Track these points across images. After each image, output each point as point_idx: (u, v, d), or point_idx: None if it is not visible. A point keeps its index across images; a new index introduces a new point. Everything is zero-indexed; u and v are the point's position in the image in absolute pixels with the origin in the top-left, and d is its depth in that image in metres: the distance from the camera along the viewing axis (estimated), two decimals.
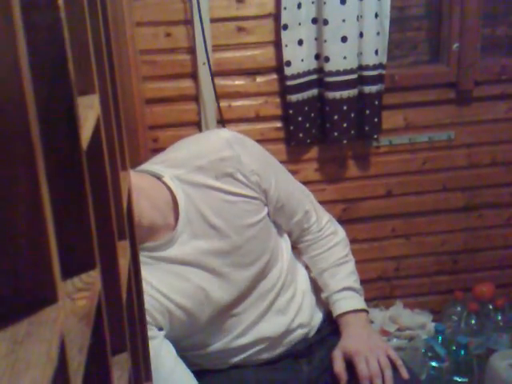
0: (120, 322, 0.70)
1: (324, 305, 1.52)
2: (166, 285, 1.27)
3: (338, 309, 1.45)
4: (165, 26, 1.91)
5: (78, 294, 0.54)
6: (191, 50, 1.93)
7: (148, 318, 1.21)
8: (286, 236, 1.49)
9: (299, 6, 1.88)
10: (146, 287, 1.23)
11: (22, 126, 0.39)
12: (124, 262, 0.76)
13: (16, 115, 0.39)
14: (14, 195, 0.41)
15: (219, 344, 1.39)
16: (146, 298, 1.15)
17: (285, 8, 1.87)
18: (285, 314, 1.43)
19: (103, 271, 0.60)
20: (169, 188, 1.28)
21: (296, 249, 1.54)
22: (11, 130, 0.39)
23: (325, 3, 1.85)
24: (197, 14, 1.86)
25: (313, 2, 1.89)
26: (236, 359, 1.42)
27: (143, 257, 1.22)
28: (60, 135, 0.50)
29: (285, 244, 1.47)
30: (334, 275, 1.47)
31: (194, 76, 1.95)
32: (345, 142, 2.02)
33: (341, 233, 1.53)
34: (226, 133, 1.35)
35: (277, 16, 1.92)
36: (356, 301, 1.46)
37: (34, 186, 0.41)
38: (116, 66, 0.82)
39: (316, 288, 1.52)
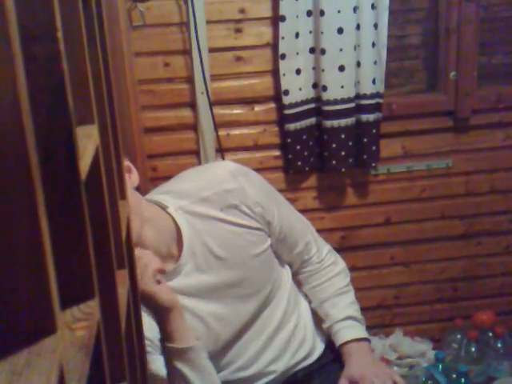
0: (119, 352, 0.69)
1: (325, 334, 1.51)
2: None
3: (341, 338, 1.44)
4: (163, 55, 1.92)
5: (77, 324, 0.54)
6: (190, 80, 1.94)
7: (149, 348, 1.21)
8: (287, 267, 1.49)
9: (297, 35, 1.90)
10: (148, 317, 1.23)
11: (21, 156, 0.39)
12: (123, 291, 0.75)
13: (15, 145, 0.39)
14: (13, 226, 0.41)
15: (221, 375, 1.38)
16: (148, 327, 1.16)
17: (283, 38, 1.89)
18: (288, 346, 1.43)
19: (102, 300, 0.59)
20: (173, 219, 1.28)
21: (297, 279, 1.53)
22: (10, 161, 0.39)
23: (322, 33, 1.87)
24: (195, 44, 1.88)
25: (310, 32, 1.91)
26: None
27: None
28: (59, 165, 0.51)
29: (286, 275, 1.47)
30: (334, 305, 1.47)
31: (192, 105, 1.96)
32: (343, 170, 2.02)
33: (341, 263, 1.53)
34: (230, 165, 1.36)
35: (274, 46, 1.94)
36: (358, 330, 1.45)
37: (33, 217, 0.41)
38: (115, 96, 0.83)
39: (317, 318, 1.51)
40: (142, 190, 1.63)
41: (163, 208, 1.29)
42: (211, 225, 1.30)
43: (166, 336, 1.24)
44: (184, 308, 1.29)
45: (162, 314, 1.24)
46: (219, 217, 1.30)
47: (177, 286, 1.28)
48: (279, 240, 1.40)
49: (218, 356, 1.36)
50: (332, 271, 1.50)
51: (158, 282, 1.22)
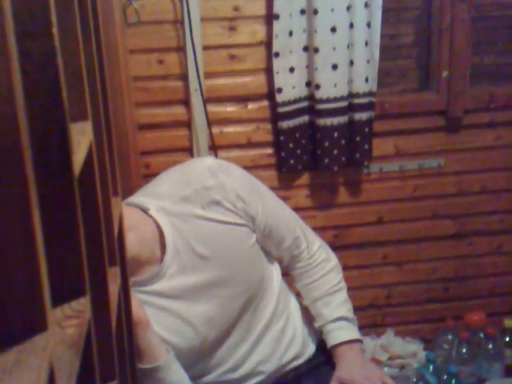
0: (109, 350, 0.69)
1: (316, 334, 1.51)
2: (155, 321, 1.24)
3: (332, 340, 1.44)
4: (157, 53, 1.92)
5: (68, 322, 0.54)
6: (183, 77, 1.94)
7: None
8: (276, 264, 1.48)
9: (290, 34, 1.90)
10: None
11: (15, 152, 0.39)
12: (114, 289, 0.75)
13: (9, 141, 0.39)
14: (5, 221, 0.41)
15: (212, 376, 1.38)
16: None
17: (276, 36, 1.89)
18: (277, 346, 1.42)
19: (93, 298, 0.59)
20: (155, 221, 1.26)
21: (287, 277, 1.52)
22: (4, 156, 0.39)
23: (316, 31, 1.87)
24: (189, 42, 1.88)
25: (304, 31, 1.92)
26: None
27: (133, 292, 1.20)
28: (52, 161, 0.50)
29: (275, 271, 1.46)
30: (327, 304, 1.46)
31: (186, 102, 1.96)
32: (335, 168, 2.02)
33: (333, 259, 1.51)
34: (209, 161, 1.34)
35: (268, 44, 1.94)
36: (350, 331, 1.45)
37: (26, 212, 0.41)
38: (109, 92, 0.82)
39: (308, 317, 1.51)
40: (134, 186, 1.63)
41: (145, 211, 1.27)
42: (193, 224, 1.28)
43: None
44: (170, 311, 1.27)
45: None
46: (201, 215, 1.28)
47: (161, 289, 1.26)
48: (265, 235, 1.38)
49: (205, 358, 1.35)
50: (324, 268, 1.48)
51: None
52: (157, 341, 1.21)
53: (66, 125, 0.51)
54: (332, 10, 1.86)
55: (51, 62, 0.47)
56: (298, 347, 1.45)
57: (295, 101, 1.97)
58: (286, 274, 1.53)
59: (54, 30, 0.47)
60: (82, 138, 0.59)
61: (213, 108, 1.97)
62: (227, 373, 1.38)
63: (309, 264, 1.47)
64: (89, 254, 0.58)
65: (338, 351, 1.42)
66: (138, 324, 1.17)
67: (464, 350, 1.86)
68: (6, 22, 0.36)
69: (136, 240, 1.22)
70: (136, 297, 1.19)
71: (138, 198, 1.33)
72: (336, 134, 1.97)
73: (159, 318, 1.26)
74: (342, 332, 1.44)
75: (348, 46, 1.91)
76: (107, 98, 0.81)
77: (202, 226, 1.28)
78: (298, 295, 1.54)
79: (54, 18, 0.47)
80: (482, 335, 1.89)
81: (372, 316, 2.27)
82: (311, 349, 1.49)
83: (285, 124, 1.97)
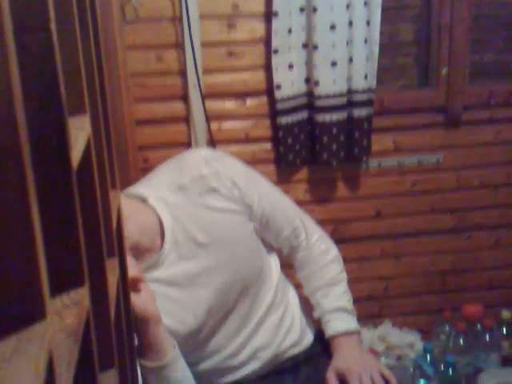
0: (108, 339, 0.70)
1: (314, 324, 1.52)
2: None
3: (330, 330, 1.44)
4: (156, 49, 1.93)
5: (67, 311, 0.54)
6: (182, 73, 1.95)
7: None
8: (275, 256, 1.49)
9: (290, 31, 1.91)
10: None
11: (13, 146, 0.40)
12: (113, 279, 0.76)
13: (7, 135, 0.40)
14: (3, 213, 0.41)
15: (210, 363, 1.39)
16: None
17: (275, 33, 1.89)
18: (276, 333, 1.43)
19: (92, 288, 0.60)
20: (154, 210, 1.29)
21: (286, 267, 1.54)
22: (2, 150, 0.40)
23: (315, 29, 1.88)
24: (188, 38, 1.88)
25: (303, 28, 1.92)
26: (228, 379, 1.42)
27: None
28: (51, 155, 0.51)
29: (274, 262, 1.48)
30: (326, 295, 1.46)
31: (184, 98, 1.97)
32: (334, 163, 2.03)
33: (333, 250, 1.52)
34: (203, 151, 1.39)
35: (267, 41, 1.95)
36: (348, 322, 1.45)
37: (25, 205, 0.41)
38: (107, 87, 0.83)
39: (307, 307, 1.52)
40: (133, 180, 1.65)
41: (144, 201, 1.30)
42: (191, 212, 1.30)
43: (140, 349, 1.18)
44: (169, 298, 1.29)
45: (138, 326, 1.16)
46: (199, 202, 1.31)
47: (160, 276, 1.28)
48: (262, 225, 1.40)
49: (204, 344, 1.37)
50: (324, 259, 1.49)
51: (137, 291, 1.14)
52: (166, 336, 1.20)
53: (64, 119, 0.51)
54: (331, 8, 1.87)
55: (49, 56, 0.48)
56: (296, 335, 1.47)
57: (294, 97, 1.97)
58: (286, 265, 1.54)
59: (52, 26, 0.48)
60: (80, 132, 0.60)
61: (211, 104, 1.98)
62: (226, 359, 1.40)
63: (308, 254, 1.48)
64: (87, 244, 0.59)
65: (336, 341, 1.43)
66: (150, 319, 1.15)
67: (461, 341, 1.87)
68: (5, 17, 0.37)
69: (136, 228, 1.24)
70: (150, 292, 1.17)
71: (136, 188, 1.35)
72: (335, 130, 1.98)
73: (159, 304, 1.27)
74: (340, 322, 1.44)
75: (347, 44, 1.92)
76: (105, 93, 0.82)
77: (200, 213, 1.31)
78: (297, 286, 1.55)
79: (52, 14, 0.48)
80: (479, 326, 1.90)
81: (370, 307, 2.28)
82: (309, 338, 1.50)
83: (284, 120, 1.98)
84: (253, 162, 1.98)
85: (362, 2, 1.89)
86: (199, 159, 1.34)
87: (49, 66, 0.49)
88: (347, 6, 1.89)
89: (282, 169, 2.07)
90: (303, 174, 2.11)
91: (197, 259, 1.31)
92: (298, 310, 1.50)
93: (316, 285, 1.48)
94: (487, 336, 1.88)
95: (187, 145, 2.00)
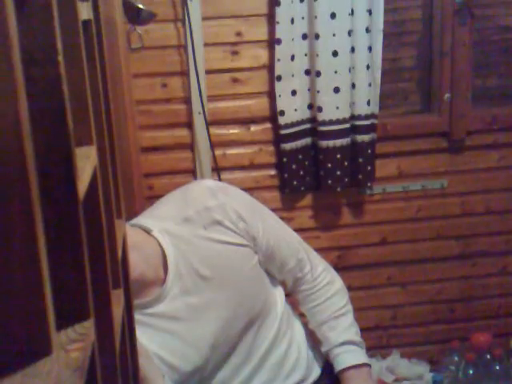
0: (113, 373, 0.69)
1: (322, 357, 1.49)
2: (157, 344, 1.24)
3: (340, 364, 1.41)
4: (161, 77, 1.94)
5: (72, 346, 0.53)
6: (187, 100, 1.96)
7: None
8: (280, 288, 1.47)
9: (292, 58, 1.92)
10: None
11: (21, 176, 0.40)
12: (118, 311, 0.75)
13: (15, 165, 0.39)
14: (10, 245, 0.41)
15: None
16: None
17: (278, 60, 1.91)
18: (280, 369, 1.40)
19: (97, 321, 0.59)
20: (158, 242, 1.27)
21: (291, 299, 1.52)
22: (9, 180, 0.40)
23: (317, 55, 1.89)
24: (192, 66, 1.90)
25: (306, 55, 1.93)
26: None
27: (136, 315, 1.20)
28: (57, 186, 0.51)
29: (279, 295, 1.44)
30: (333, 328, 1.43)
31: (189, 125, 1.98)
32: (339, 189, 2.03)
33: (338, 282, 1.49)
34: (208, 182, 1.36)
35: (270, 67, 1.96)
36: (357, 355, 1.42)
37: (31, 236, 0.41)
38: (113, 116, 0.83)
39: (314, 340, 1.49)
40: (138, 207, 1.64)
41: (148, 232, 1.28)
42: (196, 244, 1.28)
43: None
44: (172, 333, 1.26)
45: None
46: (203, 235, 1.28)
47: (163, 311, 1.26)
48: (267, 256, 1.37)
49: (207, 381, 1.34)
50: (329, 291, 1.46)
51: None
52: (153, 367, 1.18)
53: (71, 150, 0.51)
54: (333, 35, 1.89)
55: (57, 89, 0.48)
56: (302, 370, 1.43)
57: (298, 123, 1.98)
58: (290, 297, 1.52)
59: (60, 58, 0.48)
60: (86, 162, 0.60)
61: (216, 130, 1.98)
62: None
63: (313, 287, 1.45)
64: (92, 276, 0.58)
65: (346, 375, 1.40)
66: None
67: (470, 372, 1.85)
68: (14, 50, 0.37)
69: (140, 260, 1.22)
70: None
71: (141, 219, 1.33)
72: (339, 156, 1.98)
73: (161, 340, 1.25)
74: (349, 356, 1.41)
75: (349, 70, 1.93)
76: (112, 123, 0.82)
77: (204, 246, 1.29)
78: (303, 317, 1.52)
79: (59, 46, 0.48)
80: (488, 356, 1.88)
81: (378, 337, 2.25)
82: (316, 372, 1.46)
83: (287, 146, 1.98)
84: (257, 188, 1.99)
85: (364, 28, 1.91)
86: (205, 191, 1.31)
87: (56, 98, 0.49)
88: (349, 33, 1.90)
89: (287, 195, 2.07)
90: (307, 200, 2.11)
91: (200, 293, 1.28)
92: (305, 344, 1.46)
93: (322, 318, 1.45)
94: (497, 366, 1.85)
95: (192, 171, 2.00)
